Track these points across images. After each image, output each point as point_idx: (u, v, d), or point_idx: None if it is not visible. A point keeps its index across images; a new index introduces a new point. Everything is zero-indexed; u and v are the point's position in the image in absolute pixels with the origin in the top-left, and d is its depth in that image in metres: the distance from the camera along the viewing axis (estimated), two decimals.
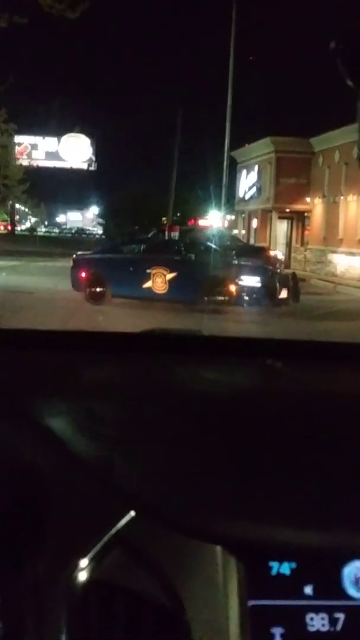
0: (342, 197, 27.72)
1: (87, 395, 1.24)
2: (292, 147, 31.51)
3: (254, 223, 35.89)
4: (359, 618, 0.84)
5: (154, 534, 0.85)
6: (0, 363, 1.39)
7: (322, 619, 0.84)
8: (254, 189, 35.40)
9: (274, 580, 0.85)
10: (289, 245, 32.69)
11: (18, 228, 62.17)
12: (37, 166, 39.13)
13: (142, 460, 0.98)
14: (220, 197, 28.29)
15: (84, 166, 42.21)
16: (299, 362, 1.47)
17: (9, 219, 55.39)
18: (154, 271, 12.93)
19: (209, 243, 15.24)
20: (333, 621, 0.84)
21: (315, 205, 30.87)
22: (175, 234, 18.60)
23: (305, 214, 32.23)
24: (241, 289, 12.64)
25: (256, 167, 34.91)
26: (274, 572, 0.85)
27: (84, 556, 0.83)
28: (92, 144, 41.79)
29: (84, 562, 0.83)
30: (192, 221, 33.51)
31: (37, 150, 41.64)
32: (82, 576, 0.82)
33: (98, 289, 13.16)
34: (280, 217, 32.97)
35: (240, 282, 12.71)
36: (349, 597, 0.85)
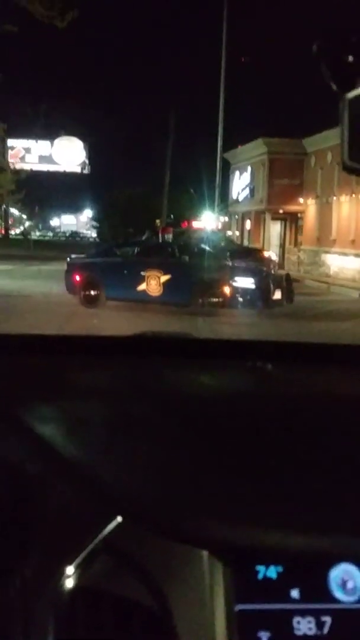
0: (334, 198, 27.76)
1: (77, 399, 1.24)
2: (285, 148, 31.54)
3: (248, 224, 35.92)
4: (345, 621, 0.84)
5: (140, 539, 0.85)
6: None
7: (309, 622, 0.84)
8: (247, 191, 35.43)
9: (261, 584, 0.85)
10: (282, 246, 32.71)
11: (12, 232, 62.03)
12: (31, 170, 39.06)
13: (129, 465, 0.98)
14: (213, 199, 28.37)
15: (78, 169, 42.20)
16: (291, 364, 1.47)
17: (2, 223, 55.30)
18: (148, 274, 12.93)
19: (202, 245, 15.25)
20: (320, 625, 0.84)
21: (309, 206, 30.90)
22: (169, 236, 18.58)
23: (299, 215, 32.27)
24: (235, 291, 12.64)
25: (249, 169, 34.94)
26: (260, 576, 0.85)
27: (70, 563, 0.83)
28: (85, 147, 41.77)
29: (70, 569, 0.83)
30: (186, 223, 33.48)
31: (31, 154, 41.57)
32: (70, 583, 0.82)
33: (92, 292, 13.15)
34: (273, 218, 33.01)
35: (234, 284, 12.71)
36: (335, 601, 0.85)
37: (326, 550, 0.87)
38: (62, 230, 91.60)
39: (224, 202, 34.79)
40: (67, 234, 79.22)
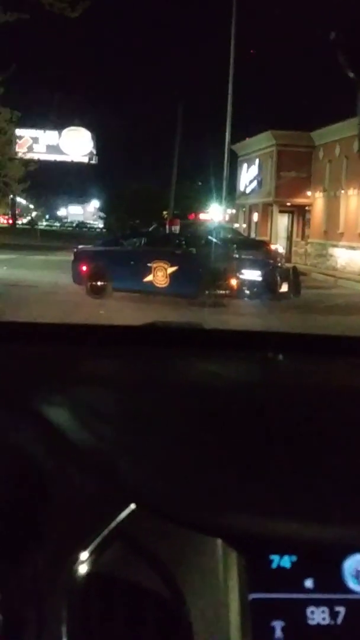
0: (342, 191, 27.67)
1: (87, 388, 1.24)
2: (293, 141, 31.44)
3: (255, 217, 35.86)
4: (359, 611, 0.84)
5: (154, 526, 0.85)
6: (0, 356, 1.39)
7: (323, 612, 0.84)
8: (255, 183, 35.35)
9: (275, 573, 0.85)
10: (289, 239, 32.68)
11: (19, 222, 62.07)
12: (39, 160, 39.02)
13: (142, 453, 0.98)
14: (221, 191, 28.28)
15: (85, 160, 42.09)
16: (300, 355, 1.46)
17: (10, 212, 55.31)
18: (155, 265, 12.93)
19: (209, 237, 15.23)
20: (334, 615, 0.84)
21: (316, 199, 30.81)
22: (176, 228, 18.57)
23: (306, 208, 32.19)
24: (242, 283, 12.65)
25: (257, 161, 34.85)
26: (274, 565, 0.85)
27: (84, 549, 0.83)
28: (93, 137, 41.67)
29: (84, 556, 0.83)
30: (193, 215, 33.47)
31: (38, 143, 41.48)
32: (83, 569, 0.82)
33: (99, 283, 13.17)
34: (281, 211, 32.94)
35: (241, 276, 12.71)
36: (349, 591, 0.85)
37: (340, 540, 0.87)
38: (69, 220, 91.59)
39: (232, 194, 34.72)
40: (74, 225, 79.19)
